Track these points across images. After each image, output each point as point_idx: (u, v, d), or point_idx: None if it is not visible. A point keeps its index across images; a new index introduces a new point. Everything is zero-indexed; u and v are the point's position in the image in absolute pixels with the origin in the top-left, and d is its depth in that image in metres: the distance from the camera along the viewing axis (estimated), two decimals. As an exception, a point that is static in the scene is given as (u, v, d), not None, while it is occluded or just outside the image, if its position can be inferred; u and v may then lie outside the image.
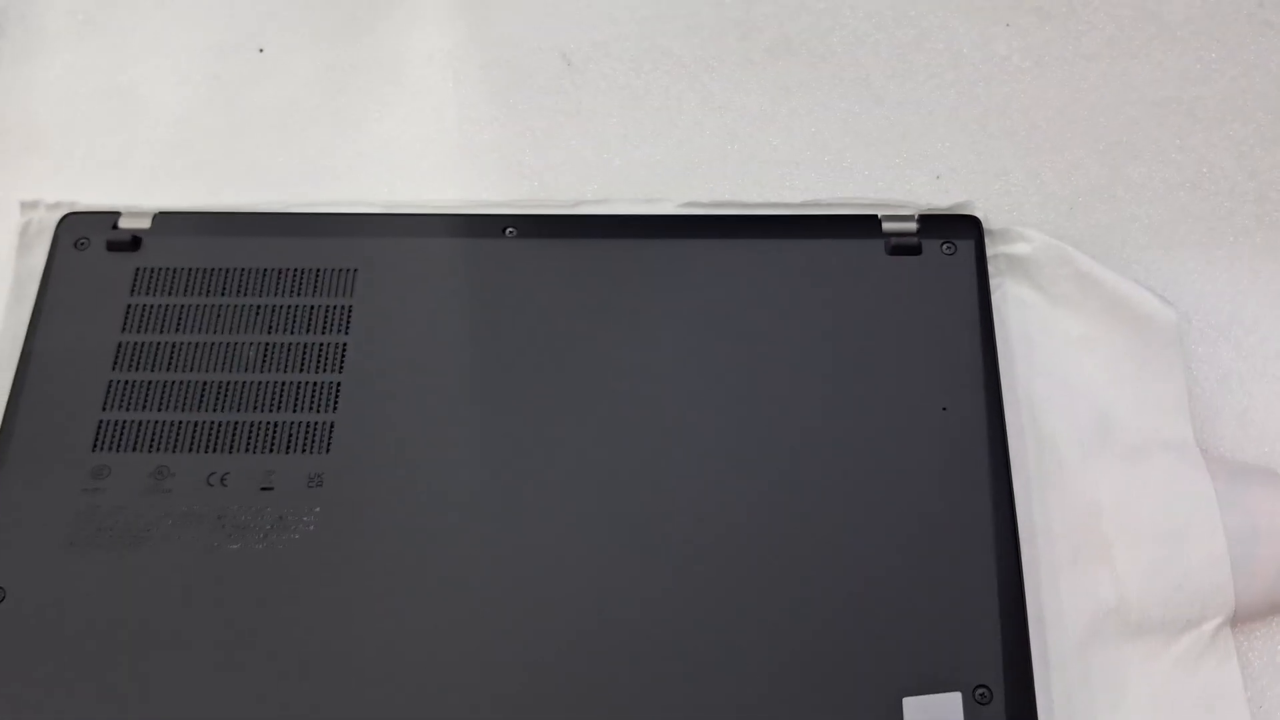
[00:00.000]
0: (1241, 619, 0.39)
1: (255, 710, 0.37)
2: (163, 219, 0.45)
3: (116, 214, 0.45)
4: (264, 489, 0.40)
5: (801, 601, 0.37)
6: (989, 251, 0.44)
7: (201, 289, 0.44)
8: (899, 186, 0.47)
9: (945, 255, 0.43)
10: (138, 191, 0.48)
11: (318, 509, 0.39)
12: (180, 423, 0.41)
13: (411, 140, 0.49)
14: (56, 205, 0.46)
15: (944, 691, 0.36)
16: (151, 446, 0.41)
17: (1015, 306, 0.44)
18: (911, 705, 0.36)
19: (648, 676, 0.37)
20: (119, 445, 0.41)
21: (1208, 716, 0.37)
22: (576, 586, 0.38)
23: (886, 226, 0.44)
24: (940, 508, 0.39)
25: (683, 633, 0.37)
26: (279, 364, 0.42)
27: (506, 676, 0.37)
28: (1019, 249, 0.44)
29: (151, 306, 0.43)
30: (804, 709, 0.36)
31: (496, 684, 0.37)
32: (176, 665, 0.37)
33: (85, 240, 0.45)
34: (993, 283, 0.44)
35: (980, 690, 0.36)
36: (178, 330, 0.43)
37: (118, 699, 0.37)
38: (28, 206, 0.46)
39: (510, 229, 0.45)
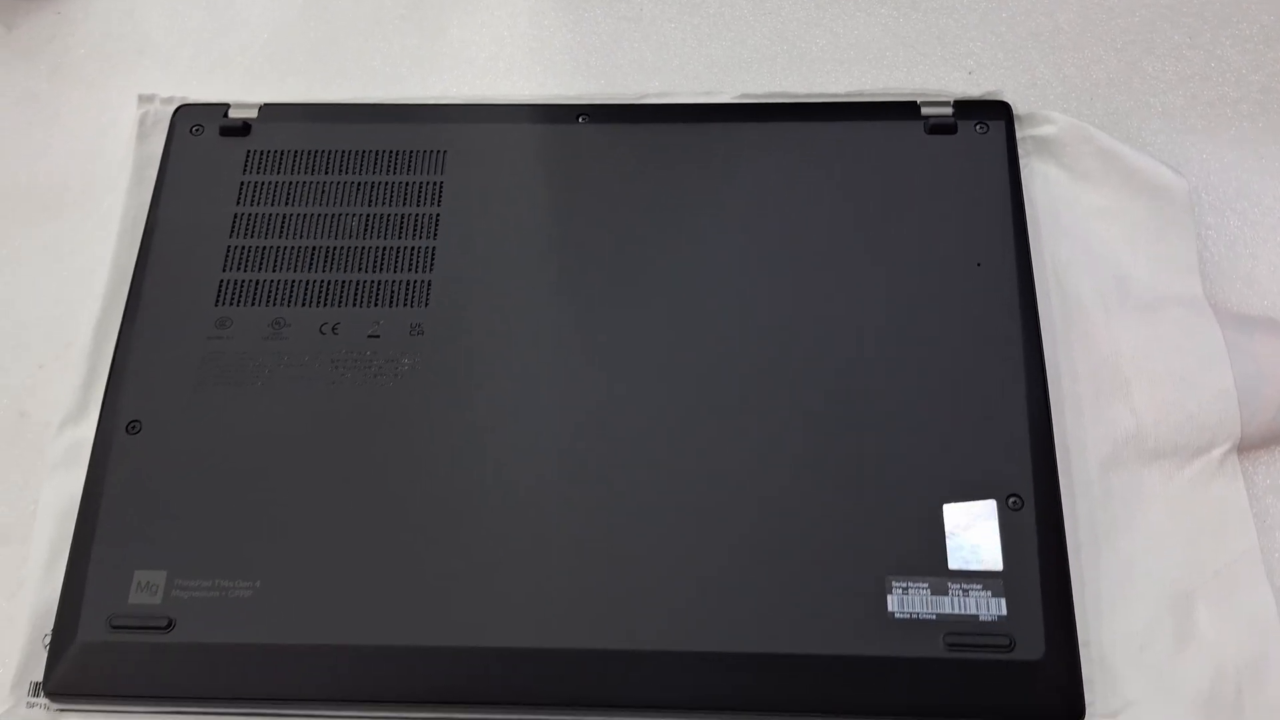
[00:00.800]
0: (1246, 446, 0.43)
1: (361, 526, 0.41)
2: (269, 109, 0.50)
3: (226, 105, 0.50)
4: (371, 336, 0.45)
5: (859, 424, 0.42)
6: (1017, 135, 0.49)
7: (307, 169, 0.48)
8: (935, 81, 0.51)
9: (978, 134, 0.48)
10: (239, 93, 0.52)
11: (419, 353, 0.44)
12: (294, 281, 0.46)
13: (488, 42, 0.54)
14: (170, 99, 0.51)
15: (981, 499, 0.41)
16: (269, 301, 0.46)
17: (1041, 183, 0.48)
18: (950, 510, 0.41)
19: (716, 491, 0.41)
20: (239, 300, 0.46)
21: (1218, 528, 0.42)
22: (649, 414, 0.43)
23: (925, 110, 0.48)
24: (978, 348, 0.43)
25: (749, 457, 0.42)
26: (380, 232, 0.47)
27: (579, 497, 0.42)
28: (1045, 130, 0.49)
29: (263, 183, 0.48)
30: (861, 513, 0.41)
31: (570, 501, 0.42)
32: (293, 488, 0.42)
33: (199, 127, 0.50)
34: (1020, 163, 0.48)
35: (1013, 498, 0.41)
36: (287, 204, 0.48)
37: (241, 519, 0.42)
38: (144, 99, 0.51)
39: (583, 116, 0.49)
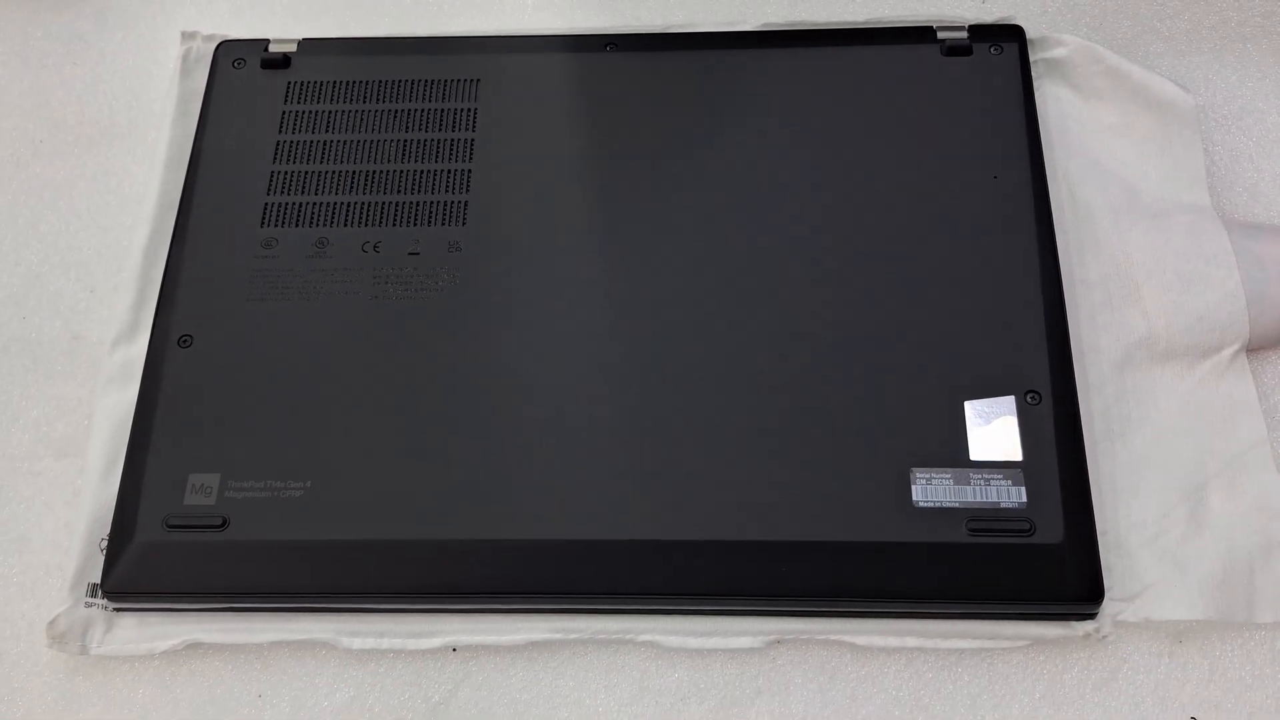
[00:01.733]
0: (1254, 346, 0.45)
1: (404, 429, 0.43)
2: (308, 44, 0.52)
3: (266, 41, 0.52)
4: (411, 254, 0.47)
5: (883, 326, 0.44)
6: (1030, 58, 0.50)
7: (346, 99, 0.50)
8: (950, 8, 0.53)
9: (993, 56, 0.49)
10: (279, 30, 0.54)
11: (457, 269, 0.46)
12: (336, 204, 0.48)
13: (517, -21, 0.55)
14: (212, 36, 0.53)
15: (1000, 395, 0.43)
16: (312, 222, 0.47)
17: (1053, 103, 0.50)
18: (972, 405, 0.43)
19: (746, 388, 0.43)
20: (284, 221, 0.47)
21: (1228, 422, 0.44)
22: (681, 316, 0.45)
23: (941, 35, 0.50)
24: (996, 255, 0.45)
25: (778, 357, 0.44)
26: (417, 156, 0.49)
27: (618, 395, 0.43)
28: (1056, 53, 0.51)
29: (304, 113, 0.50)
30: (886, 407, 0.43)
31: (608, 398, 0.43)
32: (339, 395, 0.44)
33: (241, 61, 0.51)
34: (1033, 85, 0.50)
35: (1031, 394, 0.43)
36: (328, 131, 0.49)
37: (290, 425, 0.43)
38: (187, 36, 0.53)
39: (610, 45, 0.51)
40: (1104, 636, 0.41)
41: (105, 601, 0.42)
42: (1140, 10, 0.53)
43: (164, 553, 0.42)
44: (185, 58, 0.52)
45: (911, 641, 0.41)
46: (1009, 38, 0.50)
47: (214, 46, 0.52)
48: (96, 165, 0.52)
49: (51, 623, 0.42)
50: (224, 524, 0.42)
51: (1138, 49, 0.52)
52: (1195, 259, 0.46)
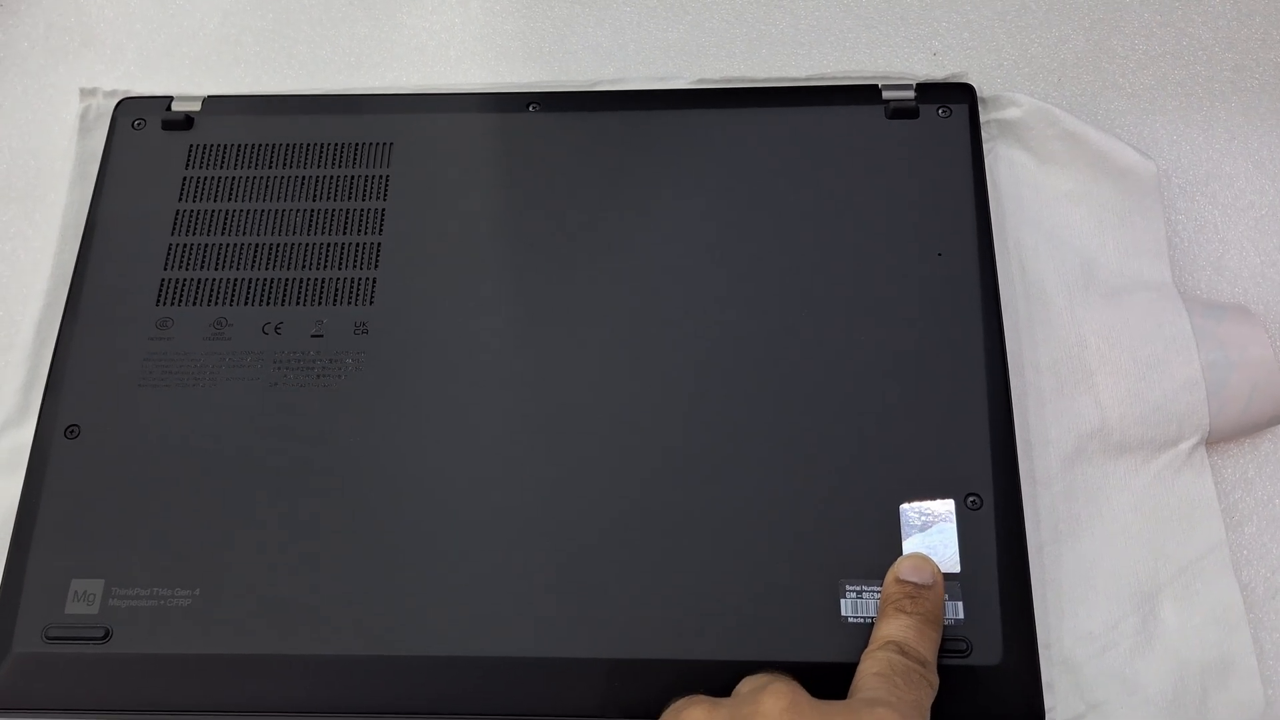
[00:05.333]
0: (1215, 439, 0.42)
1: (303, 532, 0.40)
2: (212, 102, 0.49)
3: (169, 98, 0.49)
4: (315, 336, 0.44)
5: (813, 420, 0.41)
6: (982, 118, 0.47)
7: (251, 163, 0.47)
8: (898, 63, 0.50)
9: (941, 119, 0.46)
10: (186, 83, 0.51)
11: (364, 352, 0.43)
12: (236, 279, 0.45)
13: (439, 29, 0.52)
14: (113, 93, 0.50)
15: (939, 498, 0.40)
16: (211, 300, 0.44)
17: (1006, 167, 0.47)
18: (908, 510, 0.40)
19: (671, 495, 0.40)
20: (181, 300, 0.44)
21: (1184, 523, 0.41)
22: (601, 412, 0.42)
23: (886, 94, 0.47)
24: (938, 341, 0.42)
25: (706, 459, 0.41)
26: (324, 228, 0.46)
27: (529, 498, 0.41)
28: (1010, 113, 0.47)
29: (205, 179, 0.47)
30: (814, 513, 0.40)
31: (520, 502, 0.40)
32: (234, 494, 0.41)
33: (141, 121, 0.48)
34: (985, 147, 0.47)
35: (971, 498, 0.40)
36: (230, 199, 0.46)
37: (180, 526, 0.41)
38: (86, 93, 0.50)
39: (534, 105, 0.48)
40: (1046, 760, 0.38)
41: (-16, 714, 0.40)
42: (1102, 64, 0.49)
43: (43, 665, 0.39)
44: (84, 115, 0.49)
45: (840, 766, 0.39)
46: (959, 98, 0.47)
47: (114, 104, 0.49)
48: (-10, 229, 0.49)
49: (-76, 739, 0.40)
50: (107, 635, 0.39)
51: (1099, 106, 0.48)
52: (1154, 343, 0.43)
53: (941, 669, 0.37)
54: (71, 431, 0.42)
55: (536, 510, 0.40)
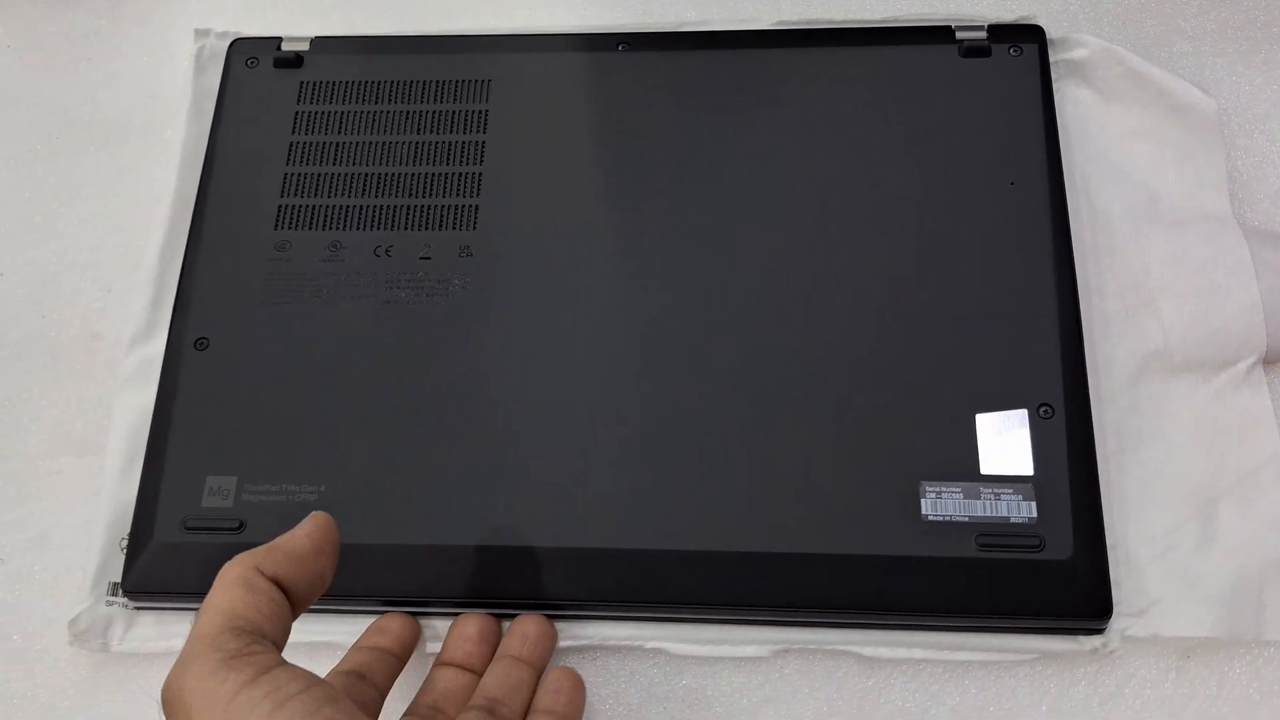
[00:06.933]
0: (1271, 359, 0.45)
1: (415, 433, 0.44)
2: (320, 42, 0.52)
3: (279, 39, 0.52)
4: (423, 258, 0.47)
5: (897, 336, 0.44)
6: (1050, 58, 0.49)
7: (359, 98, 0.50)
8: (968, 6, 0.52)
9: (1012, 58, 0.49)
10: (290, 27, 0.54)
11: (468, 274, 0.46)
12: (348, 206, 0.48)
13: (531, -26, 0.55)
14: (225, 34, 0.53)
15: (1012, 409, 0.43)
16: (325, 225, 0.48)
17: (1073, 106, 0.49)
18: (983, 418, 0.42)
19: (757, 399, 0.43)
20: (297, 224, 0.48)
21: (1242, 436, 0.44)
22: (691, 326, 0.45)
23: (960, 35, 0.49)
24: (1011, 265, 0.45)
25: (790, 368, 0.44)
26: (429, 158, 0.49)
27: (624, 405, 0.44)
28: (1076, 54, 0.50)
29: (316, 113, 0.50)
30: (897, 420, 0.43)
31: (614, 408, 0.43)
32: (352, 399, 0.44)
33: (254, 60, 0.51)
34: (1053, 86, 0.49)
35: (1044, 407, 0.42)
36: (340, 132, 0.49)
37: (304, 428, 0.44)
38: (200, 34, 0.53)
39: (622, 44, 0.51)
40: (1111, 651, 0.41)
41: (125, 600, 0.43)
42: (1165, 9, 0.52)
43: (182, 553, 0.43)
44: (199, 55, 0.52)
45: (918, 653, 0.41)
46: (1029, 38, 0.49)
47: (227, 44, 0.52)
48: (111, 164, 0.52)
49: (73, 621, 0.43)
50: (241, 526, 0.43)
51: (1161, 49, 0.51)
52: (1214, 270, 0.45)
53: (1015, 564, 0.40)
54: (201, 344, 0.46)
55: (636, 415, 0.43)
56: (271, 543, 0.34)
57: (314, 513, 0.35)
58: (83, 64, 0.55)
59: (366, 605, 0.43)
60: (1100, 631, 0.41)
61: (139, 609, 0.44)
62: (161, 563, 0.43)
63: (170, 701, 0.30)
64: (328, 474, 0.43)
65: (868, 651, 0.42)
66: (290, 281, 0.46)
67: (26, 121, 0.54)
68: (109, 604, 0.44)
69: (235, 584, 0.32)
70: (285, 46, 0.52)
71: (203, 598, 0.43)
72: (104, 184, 0.52)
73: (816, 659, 0.42)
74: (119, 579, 0.43)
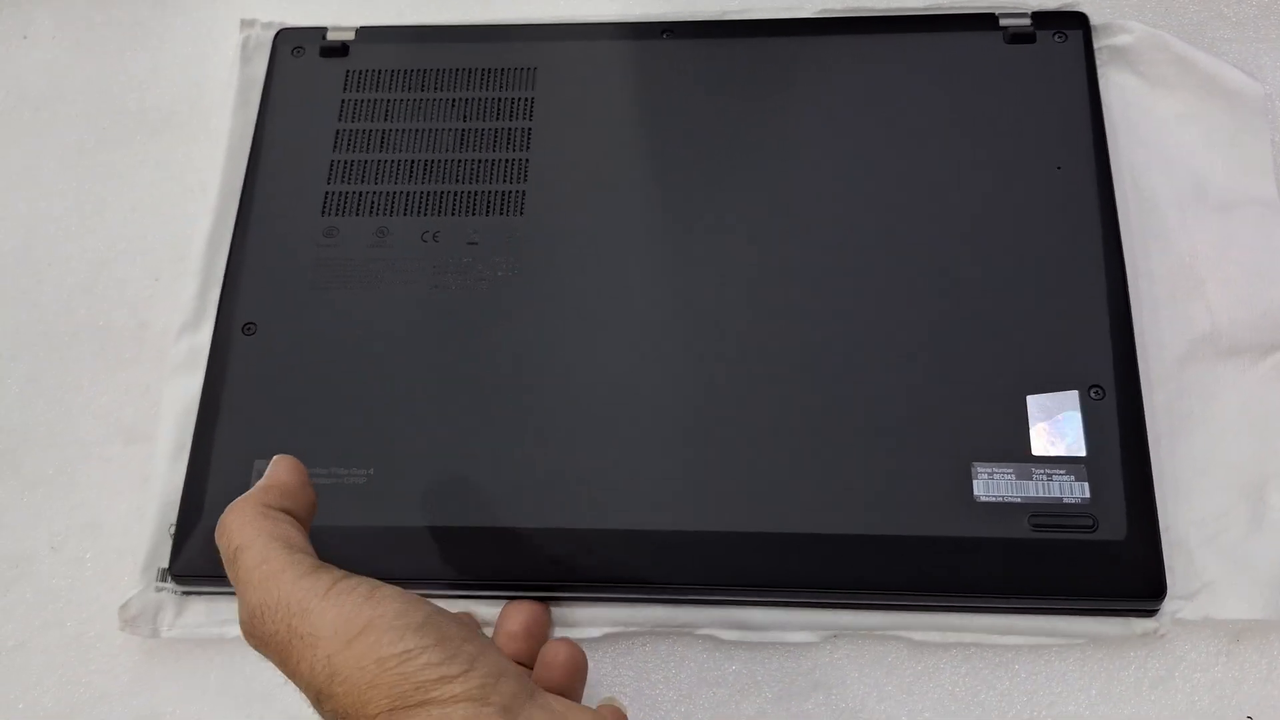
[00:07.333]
0: (1320, 342, 0.45)
1: (463, 418, 0.44)
2: (365, 31, 0.52)
3: (324, 29, 0.52)
4: (470, 244, 0.47)
5: (948, 320, 0.44)
6: (1094, 44, 0.49)
7: (405, 87, 0.51)
8: (1011, -4, 0.52)
9: (1057, 44, 0.49)
10: (335, 17, 0.54)
11: (515, 259, 0.47)
12: (395, 192, 0.48)
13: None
14: (270, 24, 0.53)
15: (1063, 390, 0.43)
16: (372, 211, 0.48)
17: (1118, 92, 0.49)
18: (1035, 400, 0.42)
19: (810, 381, 0.43)
20: (344, 210, 0.48)
21: (1291, 420, 0.44)
22: (735, 315, 0.45)
23: (1004, 22, 0.49)
24: (1061, 248, 0.45)
25: (842, 350, 0.44)
26: (475, 145, 0.49)
27: (672, 387, 0.44)
28: (1121, 40, 0.50)
29: (362, 101, 0.50)
30: (949, 403, 0.43)
31: (663, 391, 0.44)
32: (400, 384, 0.44)
33: (300, 49, 0.52)
34: (1097, 72, 0.49)
35: (1094, 389, 0.42)
36: (386, 120, 0.50)
37: (353, 413, 0.44)
38: (246, 24, 0.53)
39: (666, 33, 0.51)
40: (1162, 634, 0.41)
41: (174, 586, 0.43)
42: (1209, -6, 0.52)
43: (231, 538, 0.43)
44: (245, 45, 0.53)
45: (968, 637, 0.41)
46: (1073, 25, 0.49)
47: (273, 34, 0.52)
48: (159, 153, 0.53)
49: (124, 606, 0.43)
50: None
51: (1205, 35, 0.51)
52: (1261, 253, 0.45)
53: (1068, 544, 0.40)
54: (249, 329, 0.46)
55: (685, 399, 0.44)
56: (261, 484, 0.36)
57: (276, 456, 0.37)
58: (129, 55, 0.55)
59: (416, 589, 0.42)
60: (1152, 614, 0.41)
61: (187, 594, 0.44)
62: (210, 548, 0.42)
63: (261, 610, 0.32)
64: (375, 457, 0.43)
65: (917, 636, 0.42)
66: (337, 267, 0.47)
67: (74, 112, 0.54)
68: (158, 590, 0.44)
69: (260, 517, 0.34)
70: (330, 36, 0.52)
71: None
72: (151, 174, 0.52)
73: (865, 644, 0.42)
74: (168, 564, 0.43)
